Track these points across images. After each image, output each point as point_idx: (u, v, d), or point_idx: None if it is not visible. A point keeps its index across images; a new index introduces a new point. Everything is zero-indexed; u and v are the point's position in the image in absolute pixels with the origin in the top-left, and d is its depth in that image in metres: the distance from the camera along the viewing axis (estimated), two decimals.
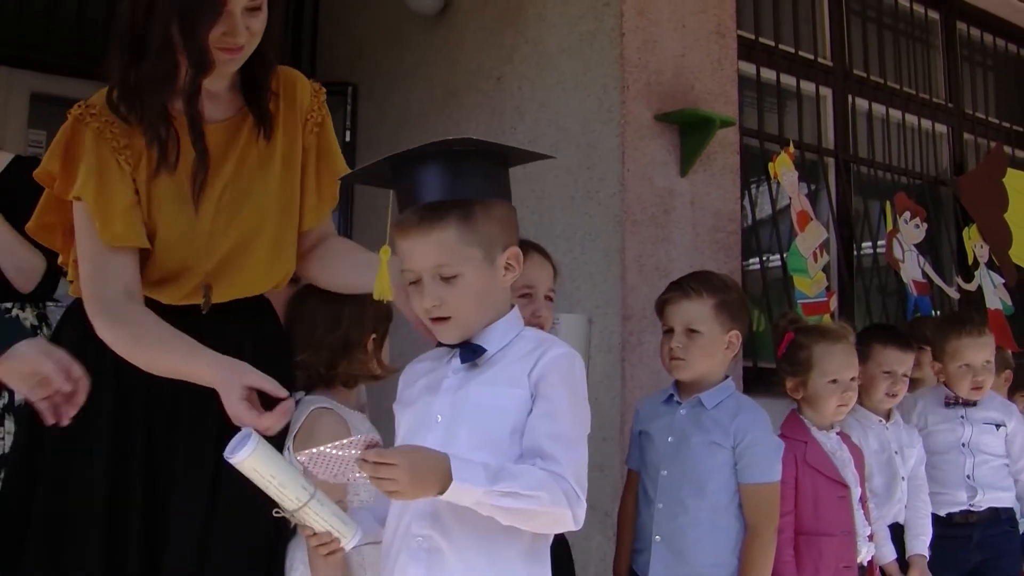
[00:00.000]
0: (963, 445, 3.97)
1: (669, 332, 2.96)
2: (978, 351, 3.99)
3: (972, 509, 3.92)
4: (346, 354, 2.48)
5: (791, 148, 5.04)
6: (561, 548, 2.87)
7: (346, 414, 2.46)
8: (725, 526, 2.85)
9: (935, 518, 3.83)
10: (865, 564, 3.35)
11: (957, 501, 3.92)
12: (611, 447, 3.88)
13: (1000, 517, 3.95)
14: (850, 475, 3.27)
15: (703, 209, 4.36)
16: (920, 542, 3.69)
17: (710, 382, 2.94)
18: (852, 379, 3.28)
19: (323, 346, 2.47)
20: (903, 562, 3.67)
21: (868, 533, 3.34)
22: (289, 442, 2.33)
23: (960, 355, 4.01)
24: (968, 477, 3.93)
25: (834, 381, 3.24)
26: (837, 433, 3.36)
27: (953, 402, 4.02)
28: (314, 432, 2.34)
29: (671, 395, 3.00)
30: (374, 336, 2.49)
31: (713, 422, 2.87)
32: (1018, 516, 4.06)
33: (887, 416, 3.77)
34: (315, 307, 2.50)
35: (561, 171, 4.37)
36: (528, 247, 2.57)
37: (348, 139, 5.09)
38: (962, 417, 4.01)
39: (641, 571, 2.91)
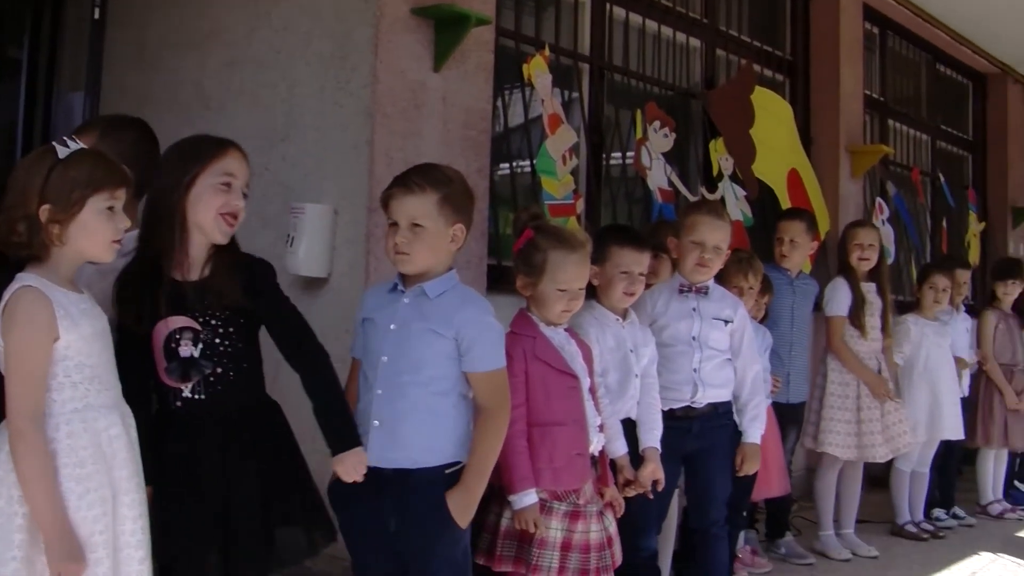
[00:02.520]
0: (693, 339, 4.22)
1: (394, 226, 3.04)
2: (711, 230, 4.21)
3: (693, 405, 4.21)
4: (15, 223, 2.58)
5: (546, 51, 5.28)
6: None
7: (53, 292, 2.57)
8: (443, 413, 3.00)
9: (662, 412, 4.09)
10: (596, 454, 3.56)
11: (681, 397, 4.19)
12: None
13: (717, 411, 4.28)
14: (579, 367, 3.49)
15: (454, 106, 4.53)
16: (653, 436, 3.94)
17: (435, 274, 3.05)
18: (580, 288, 3.46)
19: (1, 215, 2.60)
20: (635, 456, 3.90)
21: (599, 423, 3.56)
22: None
23: (694, 230, 4.23)
24: (695, 371, 4.20)
25: (563, 290, 3.42)
26: (565, 329, 3.56)
27: (687, 289, 4.25)
28: (11, 313, 2.54)
29: (395, 284, 3.10)
30: (49, 207, 2.57)
31: (435, 311, 2.99)
32: (734, 409, 4.44)
33: (624, 315, 3.99)
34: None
35: (313, 60, 4.46)
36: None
37: (97, 16, 4.97)
38: (694, 310, 4.24)
39: None
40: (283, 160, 4.48)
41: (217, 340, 2.90)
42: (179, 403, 2.90)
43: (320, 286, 4.34)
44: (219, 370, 2.91)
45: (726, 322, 4.31)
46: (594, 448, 3.53)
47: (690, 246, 4.24)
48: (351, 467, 2.90)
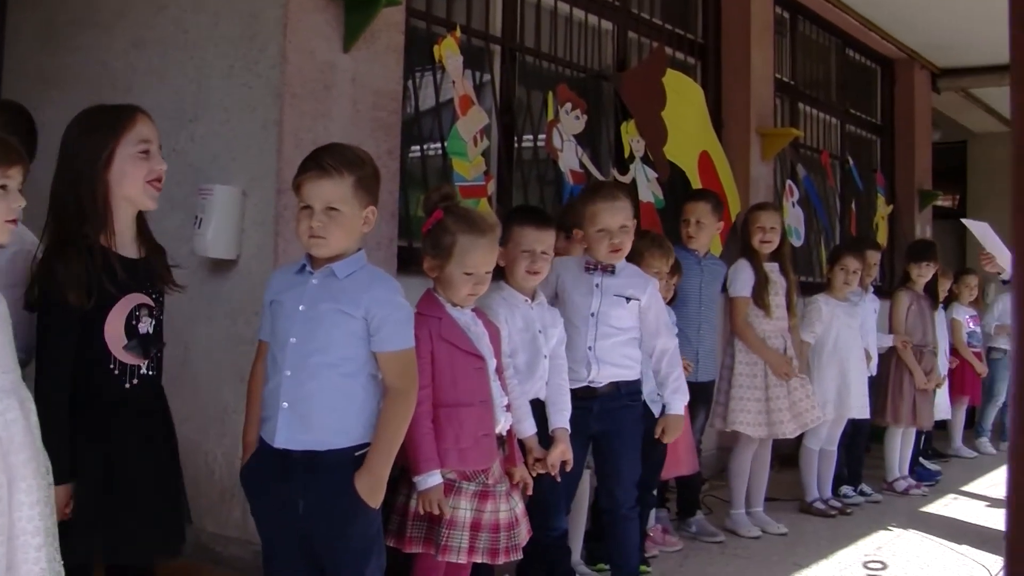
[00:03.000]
0: (591, 315, 4.26)
1: (307, 209, 3.02)
2: (613, 215, 4.25)
3: (592, 385, 4.25)
4: None
5: (457, 33, 5.30)
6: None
7: None
8: (352, 394, 3.00)
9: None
10: (504, 434, 3.60)
11: (578, 377, 4.21)
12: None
13: (620, 391, 4.31)
14: (485, 348, 3.52)
15: (364, 87, 4.53)
16: (562, 416, 3.98)
17: (345, 255, 3.05)
18: (487, 272, 3.49)
19: None
20: (544, 436, 3.94)
21: (505, 403, 3.60)
22: None
23: (596, 219, 4.27)
24: (590, 349, 4.24)
25: (469, 273, 3.45)
26: (472, 310, 3.59)
27: (593, 267, 4.29)
28: None
29: (303, 265, 3.09)
30: None
31: (344, 291, 3.00)
32: (644, 389, 4.52)
33: (532, 296, 4.03)
34: None
35: (221, 40, 4.43)
36: None
37: None
38: (596, 286, 4.28)
39: (268, 438, 3.01)
40: (191, 141, 4.46)
41: (162, 316, 2.99)
42: (135, 381, 2.92)
43: (229, 268, 4.33)
44: (164, 346, 3.01)
45: (629, 299, 4.34)
46: (501, 428, 3.56)
47: (597, 235, 4.28)
48: None
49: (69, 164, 2.90)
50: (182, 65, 4.56)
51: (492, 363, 3.56)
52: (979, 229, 5.86)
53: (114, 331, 2.88)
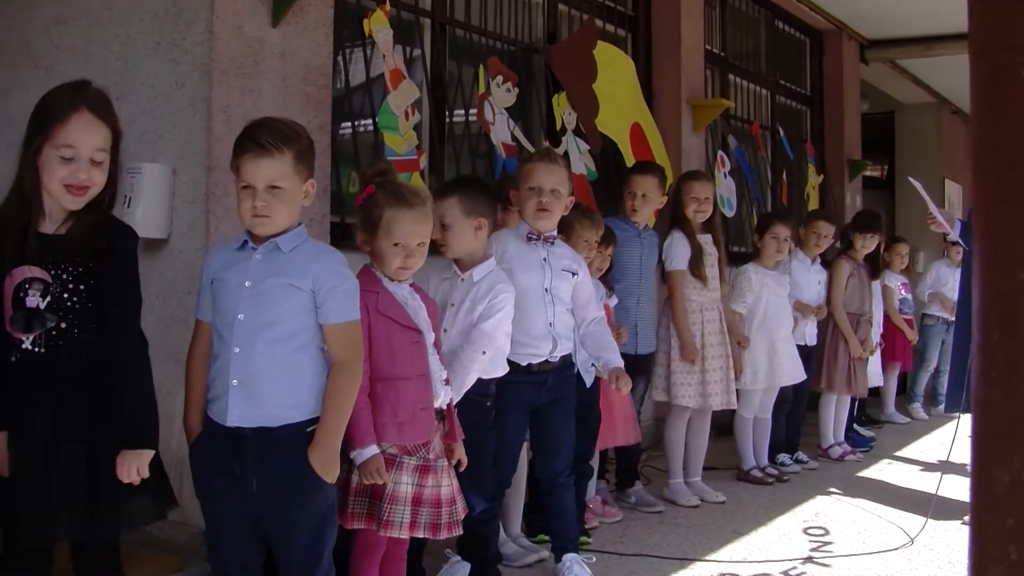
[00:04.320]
0: (545, 290, 4.32)
1: (248, 188, 2.99)
2: (547, 175, 4.31)
3: (550, 360, 4.33)
4: None
5: (387, 6, 5.27)
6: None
7: None
8: (302, 368, 2.99)
9: (516, 367, 4.21)
10: (444, 407, 3.59)
11: (540, 353, 4.30)
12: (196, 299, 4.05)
13: (566, 363, 4.43)
14: (422, 322, 3.53)
15: (294, 61, 4.51)
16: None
17: (287, 230, 3.04)
18: (419, 244, 3.48)
19: None
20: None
21: (444, 377, 3.59)
22: None
23: (530, 177, 4.33)
24: (551, 325, 4.31)
25: (397, 244, 3.44)
26: (410, 284, 3.59)
27: (535, 237, 4.33)
28: None
29: (245, 242, 3.07)
30: None
31: (289, 265, 2.99)
32: (575, 359, 4.59)
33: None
34: None
35: (147, 16, 4.38)
36: None
37: None
38: (544, 260, 4.33)
39: (218, 418, 2.99)
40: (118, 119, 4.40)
41: (66, 295, 2.91)
42: (17, 356, 2.90)
43: (159, 247, 4.30)
44: (63, 325, 2.91)
45: (572, 274, 4.43)
46: (441, 402, 3.57)
47: (528, 193, 4.34)
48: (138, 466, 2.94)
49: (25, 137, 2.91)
50: (107, 42, 4.51)
51: (430, 337, 3.56)
52: (922, 189, 5.97)
53: (5, 301, 2.88)
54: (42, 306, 2.88)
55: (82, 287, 2.93)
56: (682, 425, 5.92)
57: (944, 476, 5.38)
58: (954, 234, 5.75)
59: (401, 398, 3.38)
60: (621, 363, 4.48)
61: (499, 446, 4.22)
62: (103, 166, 2.93)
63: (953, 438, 5.20)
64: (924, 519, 5.20)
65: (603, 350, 4.51)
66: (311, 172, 3.09)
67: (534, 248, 4.36)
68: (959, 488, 5.50)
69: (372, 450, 3.30)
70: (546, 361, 4.33)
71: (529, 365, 4.30)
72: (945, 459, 5.35)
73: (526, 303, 4.24)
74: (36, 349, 2.90)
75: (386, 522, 3.36)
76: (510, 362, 4.22)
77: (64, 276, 2.91)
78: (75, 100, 2.89)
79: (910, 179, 6.27)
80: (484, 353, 3.94)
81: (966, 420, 5.30)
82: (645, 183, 5.62)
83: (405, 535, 3.42)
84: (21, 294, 2.87)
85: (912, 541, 5.07)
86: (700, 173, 6.40)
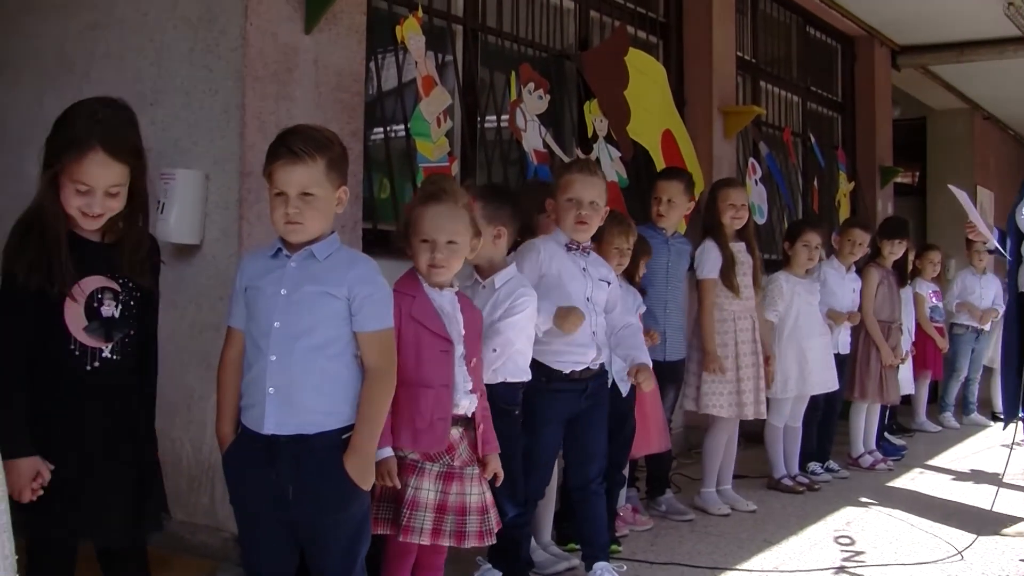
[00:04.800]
0: (587, 300, 4.33)
1: (281, 196, 2.99)
2: (585, 187, 4.32)
3: (591, 368, 4.35)
4: None
5: (419, 13, 5.28)
6: None
7: None
8: (338, 375, 3.00)
9: (558, 374, 4.26)
10: (470, 416, 3.57)
11: (583, 360, 4.31)
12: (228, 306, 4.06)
13: (603, 369, 4.45)
14: (456, 333, 3.52)
15: (327, 68, 4.51)
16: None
17: (320, 238, 3.04)
18: (449, 241, 3.47)
19: None
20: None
21: (470, 387, 3.56)
22: None
23: (568, 188, 4.33)
24: (594, 334, 4.33)
25: (425, 241, 3.47)
26: (456, 293, 3.59)
27: (575, 248, 4.34)
28: None
29: (279, 249, 3.07)
30: None
31: (325, 273, 3.00)
32: (609, 368, 4.60)
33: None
34: None
35: (180, 22, 4.40)
36: None
37: None
38: (584, 271, 4.35)
39: (254, 425, 2.98)
40: (152, 125, 4.40)
41: (132, 303, 2.98)
42: (97, 364, 2.91)
43: (192, 253, 4.31)
44: (132, 332, 2.99)
45: (608, 283, 4.47)
46: (465, 410, 3.56)
47: (566, 204, 4.35)
48: None
49: (54, 147, 2.90)
50: (141, 48, 4.53)
51: (460, 349, 3.54)
52: (963, 198, 5.91)
53: (73, 312, 2.87)
54: (116, 315, 2.92)
55: (139, 295, 3.00)
56: (723, 436, 5.88)
57: (980, 487, 5.33)
58: (993, 242, 5.69)
59: (421, 406, 3.38)
60: (649, 361, 4.50)
61: (533, 454, 4.22)
62: (119, 196, 2.94)
63: (1009, 452, 5.17)
64: (972, 535, 5.14)
65: (632, 349, 4.53)
66: (344, 179, 3.10)
67: (574, 258, 4.38)
68: (1001, 502, 5.46)
69: (386, 452, 3.31)
70: (587, 368, 4.35)
71: (572, 372, 4.31)
72: (985, 470, 5.30)
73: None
74: (114, 357, 2.94)
75: (406, 527, 3.38)
76: (551, 369, 4.26)
77: (130, 285, 2.98)
78: (91, 137, 2.84)
79: (950, 187, 6.20)
80: (494, 351, 3.93)
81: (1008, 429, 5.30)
82: (671, 188, 5.61)
83: (426, 541, 3.42)
84: (95, 304, 2.90)
85: (961, 555, 5.01)
86: (735, 180, 6.38)
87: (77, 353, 2.89)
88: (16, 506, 2.63)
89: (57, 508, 2.82)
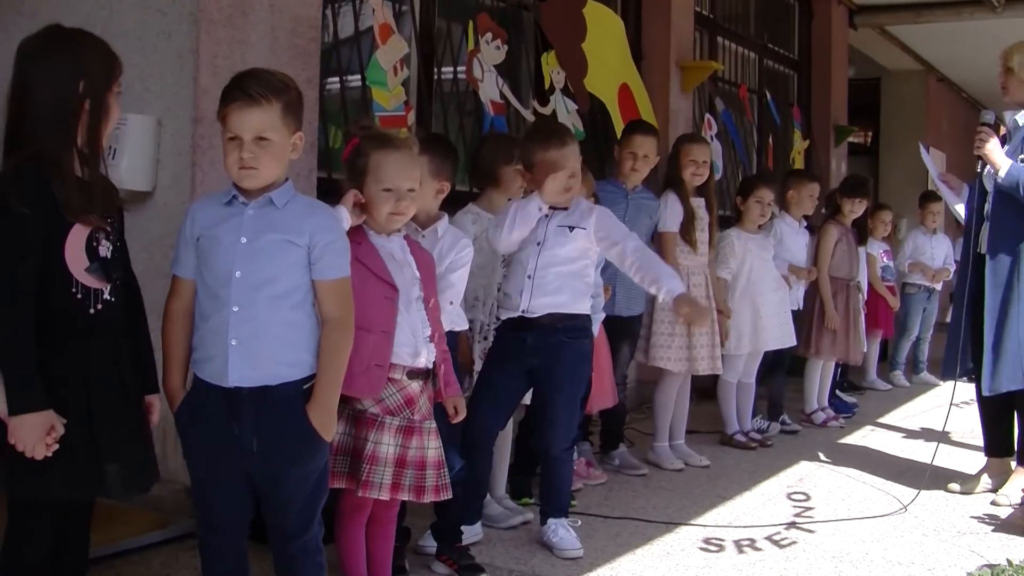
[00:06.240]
0: (537, 244, 4.25)
1: (235, 140, 2.92)
2: (565, 162, 4.21)
3: (526, 315, 4.24)
4: None
5: None
6: None
7: None
8: (299, 325, 2.94)
9: (507, 319, 4.25)
10: (430, 367, 3.52)
11: (514, 305, 4.25)
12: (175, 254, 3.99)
13: (556, 326, 4.27)
14: (407, 278, 3.45)
15: (282, 13, 4.42)
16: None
17: (276, 184, 2.98)
18: (410, 189, 3.42)
19: None
20: None
21: (428, 334, 3.51)
22: None
23: (551, 167, 4.18)
24: (529, 277, 4.23)
25: (387, 189, 3.39)
26: (405, 237, 3.54)
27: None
28: None
29: (234, 196, 2.98)
30: None
31: (285, 221, 2.93)
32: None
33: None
34: None
35: None
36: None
37: None
38: (547, 217, 4.25)
39: (213, 379, 2.92)
40: None
41: (119, 243, 2.91)
42: (99, 306, 2.81)
43: (144, 200, 4.23)
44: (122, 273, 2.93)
45: (572, 228, 4.32)
46: (425, 361, 3.51)
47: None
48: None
49: (74, 76, 2.79)
50: None
51: (414, 292, 3.49)
52: (929, 160, 5.94)
53: (74, 254, 2.77)
54: (109, 256, 2.84)
55: (121, 235, 2.94)
56: (673, 389, 5.90)
57: (929, 444, 5.39)
58: (960, 202, 5.69)
59: (360, 350, 3.24)
60: (682, 289, 4.36)
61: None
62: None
63: (949, 407, 5.23)
64: (916, 490, 5.19)
65: (661, 277, 4.32)
66: (299, 125, 3.02)
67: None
68: (944, 457, 5.53)
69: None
70: (523, 317, 4.27)
71: (509, 319, 4.29)
72: (934, 428, 5.36)
73: (516, 256, 4.29)
74: (113, 299, 2.85)
75: (365, 482, 3.33)
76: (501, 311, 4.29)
77: (116, 225, 2.91)
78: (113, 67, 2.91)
79: (920, 144, 6.21)
80: (452, 304, 3.92)
81: (951, 387, 5.37)
82: (646, 144, 5.54)
83: (385, 496, 3.39)
84: (94, 243, 2.79)
85: (905, 508, 5.06)
86: (699, 136, 6.35)
87: (79, 296, 2.77)
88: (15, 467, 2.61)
89: (65, 464, 2.70)
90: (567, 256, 4.31)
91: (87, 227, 2.77)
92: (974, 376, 5.31)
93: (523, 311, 4.27)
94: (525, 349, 4.27)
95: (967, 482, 5.44)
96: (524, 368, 4.30)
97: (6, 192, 2.66)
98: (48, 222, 2.69)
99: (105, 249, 2.82)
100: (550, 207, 4.28)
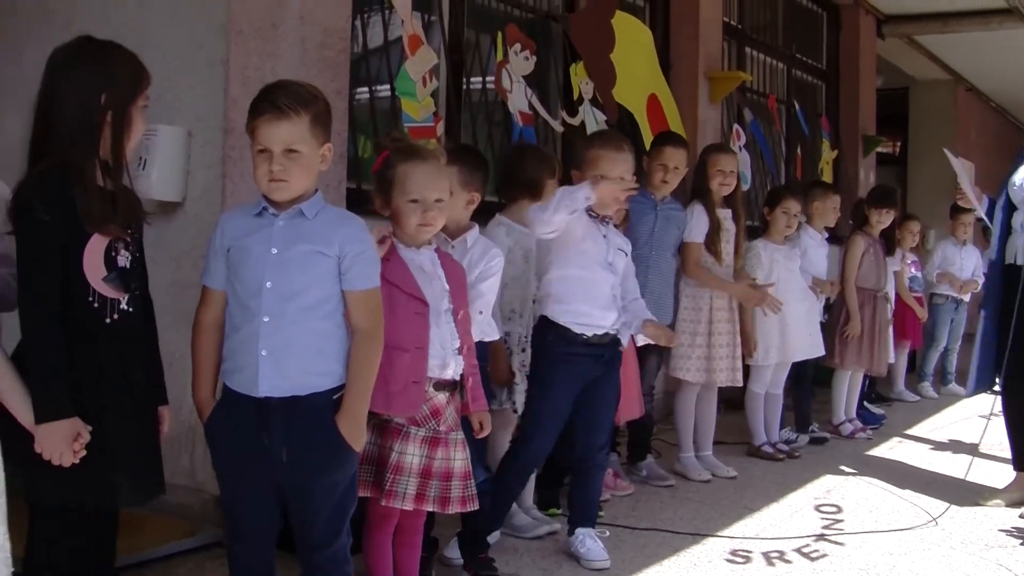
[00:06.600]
0: (609, 264, 4.28)
1: (264, 152, 2.93)
2: (613, 164, 4.26)
3: (609, 332, 4.28)
4: None
5: None
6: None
7: None
8: (330, 335, 2.95)
9: (576, 337, 4.21)
10: (458, 379, 3.53)
11: (603, 324, 4.25)
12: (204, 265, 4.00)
13: (617, 337, 4.36)
14: (434, 292, 3.44)
15: (312, 24, 4.44)
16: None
17: (306, 195, 2.98)
18: (437, 200, 3.43)
19: None
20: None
21: (457, 346, 3.52)
22: None
23: (596, 165, 4.28)
24: (614, 297, 4.29)
25: (414, 200, 3.40)
26: (436, 250, 3.54)
27: (595, 216, 4.26)
28: None
29: (264, 208, 2.99)
30: None
31: (315, 232, 2.94)
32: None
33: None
34: None
35: None
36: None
37: None
38: (604, 237, 4.29)
39: (244, 389, 2.92)
40: None
41: (139, 254, 2.93)
42: (116, 316, 2.83)
43: (174, 210, 4.26)
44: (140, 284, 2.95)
45: (625, 254, 4.43)
46: (453, 373, 3.51)
47: (592, 180, 4.21)
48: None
49: (98, 86, 2.83)
50: (123, 1, 4.45)
51: (444, 305, 3.49)
52: (957, 164, 5.89)
53: (93, 263, 2.78)
54: (128, 266, 2.86)
55: (140, 247, 2.96)
56: (691, 399, 5.89)
57: (957, 456, 5.35)
58: (980, 211, 5.66)
59: (395, 369, 3.30)
60: (651, 316, 4.49)
61: (541, 419, 4.27)
62: None
63: (987, 421, 5.19)
64: (945, 503, 5.15)
65: (637, 313, 4.47)
66: (328, 136, 3.02)
67: (596, 224, 4.32)
68: (977, 472, 5.49)
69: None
70: (606, 333, 4.30)
71: (592, 337, 4.26)
72: (963, 440, 5.31)
73: (589, 273, 4.27)
74: (130, 309, 2.87)
75: (389, 491, 3.34)
76: (572, 333, 4.23)
77: (137, 236, 2.93)
78: (140, 80, 2.95)
79: (945, 151, 6.17)
80: (481, 313, 3.90)
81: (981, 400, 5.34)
82: (677, 156, 5.50)
83: (409, 506, 3.39)
84: (113, 253, 2.82)
85: (935, 521, 5.03)
86: (726, 146, 6.32)
87: (96, 305, 2.79)
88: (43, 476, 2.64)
89: (90, 472, 2.73)
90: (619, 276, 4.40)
91: (106, 237, 2.79)
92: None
93: (610, 329, 4.31)
94: (599, 364, 4.31)
95: (995, 495, 5.40)
96: (583, 384, 4.32)
97: (30, 198, 2.68)
98: (67, 230, 2.71)
99: (124, 259, 2.84)
100: (600, 217, 4.30)
